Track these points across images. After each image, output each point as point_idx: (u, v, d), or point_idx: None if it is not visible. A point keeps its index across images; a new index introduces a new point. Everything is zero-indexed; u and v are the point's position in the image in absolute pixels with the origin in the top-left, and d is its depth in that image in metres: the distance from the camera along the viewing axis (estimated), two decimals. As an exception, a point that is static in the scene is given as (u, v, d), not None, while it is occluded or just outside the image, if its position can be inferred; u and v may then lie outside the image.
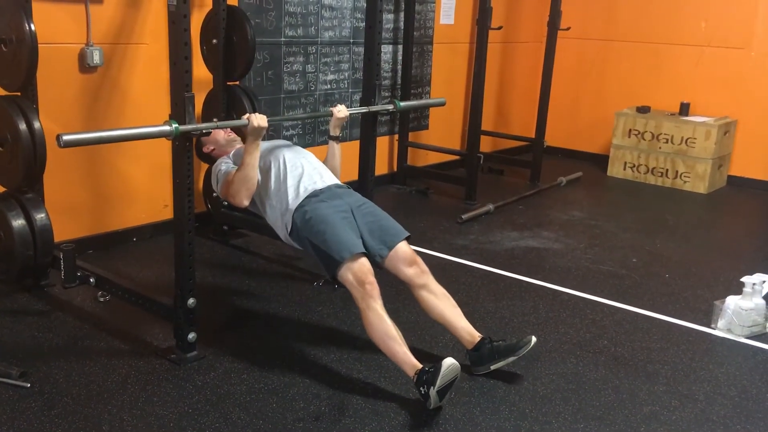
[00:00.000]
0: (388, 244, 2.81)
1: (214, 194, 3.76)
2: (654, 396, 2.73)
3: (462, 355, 2.78)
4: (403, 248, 2.83)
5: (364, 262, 2.67)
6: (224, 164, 3.11)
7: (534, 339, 2.76)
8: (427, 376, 2.46)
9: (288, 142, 3.25)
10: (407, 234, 2.89)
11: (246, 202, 2.94)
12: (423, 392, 2.47)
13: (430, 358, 2.72)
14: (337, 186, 2.98)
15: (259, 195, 2.99)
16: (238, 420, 2.43)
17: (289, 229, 2.88)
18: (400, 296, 3.22)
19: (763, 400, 2.76)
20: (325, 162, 3.23)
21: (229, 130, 3.32)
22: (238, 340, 3.02)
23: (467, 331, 2.78)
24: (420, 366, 2.51)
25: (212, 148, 3.28)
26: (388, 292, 3.10)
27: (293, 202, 2.86)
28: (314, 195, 2.87)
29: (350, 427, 2.42)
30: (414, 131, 5.87)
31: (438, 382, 2.41)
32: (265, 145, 3.02)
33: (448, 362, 2.44)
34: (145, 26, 3.89)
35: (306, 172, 2.95)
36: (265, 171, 2.98)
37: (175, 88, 2.61)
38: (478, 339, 2.76)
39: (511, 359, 2.74)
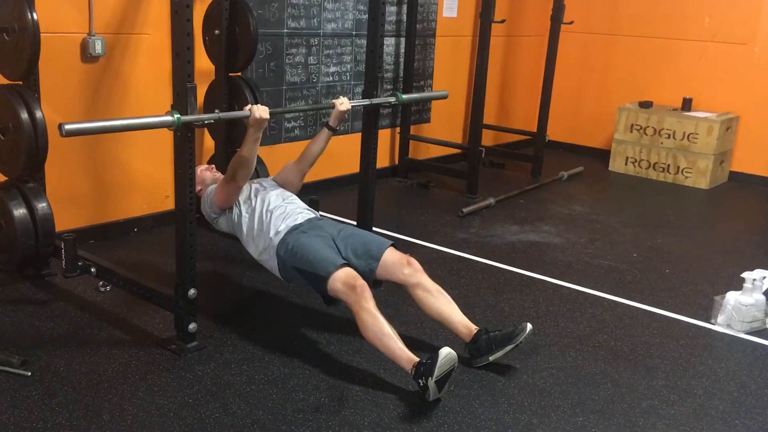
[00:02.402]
0: (375, 256, 2.88)
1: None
2: (653, 390, 2.74)
3: (462, 347, 2.78)
4: (391, 254, 2.89)
5: (350, 269, 2.73)
6: (212, 188, 3.20)
7: (529, 326, 2.76)
8: (424, 368, 2.46)
9: (273, 183, 3.29)
10: (391, 242, 2.95)
11: (242, 183, 3.00)
12: (421, 384, 2.48)
13: (431, 350, 2.72)
14: (317, 219, 3.07)
15: (243, 234, 3.06)
16: (238, 410, 2.44)
17: (277, 269, 2.94)
18: (399, 290, 3.20)
19: (761, 395, 2.76)
20: (308, 147, 3.30)
21: (214, 169, 3.42)
22: (239, 331, 3.02)
23: (464, 324, 2.80)
24: (417, 359, 2.51)
25: (199, 188, 3.27)
26: (387, 285, 3.11)
27: (275, 238, 2.93)
28: (294, 228, 2.94)
29: (350, 418, 2.43)
30: (416, 124, 5.86)
31: (435, 372, 2.42)
32: (253, 186, 3.14)
33: (445, 352, 2.45)
34: (147, 16, 3.89)
35: (288, 213, 3.02)
36: (250, 212, 3.04)
37: (177, 79, 2.61)
38: (475, 331, 2.77)
39: (508, 348, 2.74)
